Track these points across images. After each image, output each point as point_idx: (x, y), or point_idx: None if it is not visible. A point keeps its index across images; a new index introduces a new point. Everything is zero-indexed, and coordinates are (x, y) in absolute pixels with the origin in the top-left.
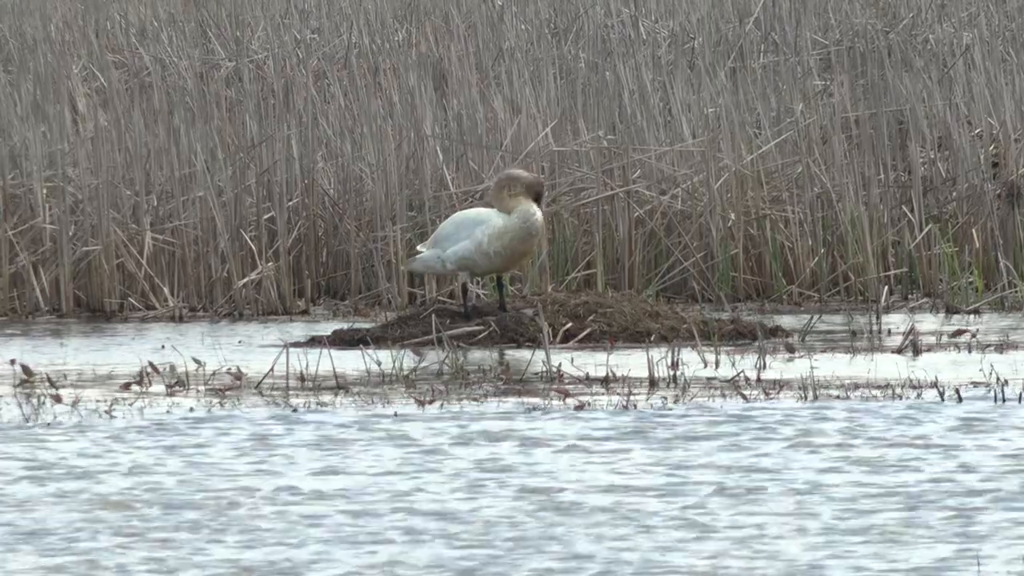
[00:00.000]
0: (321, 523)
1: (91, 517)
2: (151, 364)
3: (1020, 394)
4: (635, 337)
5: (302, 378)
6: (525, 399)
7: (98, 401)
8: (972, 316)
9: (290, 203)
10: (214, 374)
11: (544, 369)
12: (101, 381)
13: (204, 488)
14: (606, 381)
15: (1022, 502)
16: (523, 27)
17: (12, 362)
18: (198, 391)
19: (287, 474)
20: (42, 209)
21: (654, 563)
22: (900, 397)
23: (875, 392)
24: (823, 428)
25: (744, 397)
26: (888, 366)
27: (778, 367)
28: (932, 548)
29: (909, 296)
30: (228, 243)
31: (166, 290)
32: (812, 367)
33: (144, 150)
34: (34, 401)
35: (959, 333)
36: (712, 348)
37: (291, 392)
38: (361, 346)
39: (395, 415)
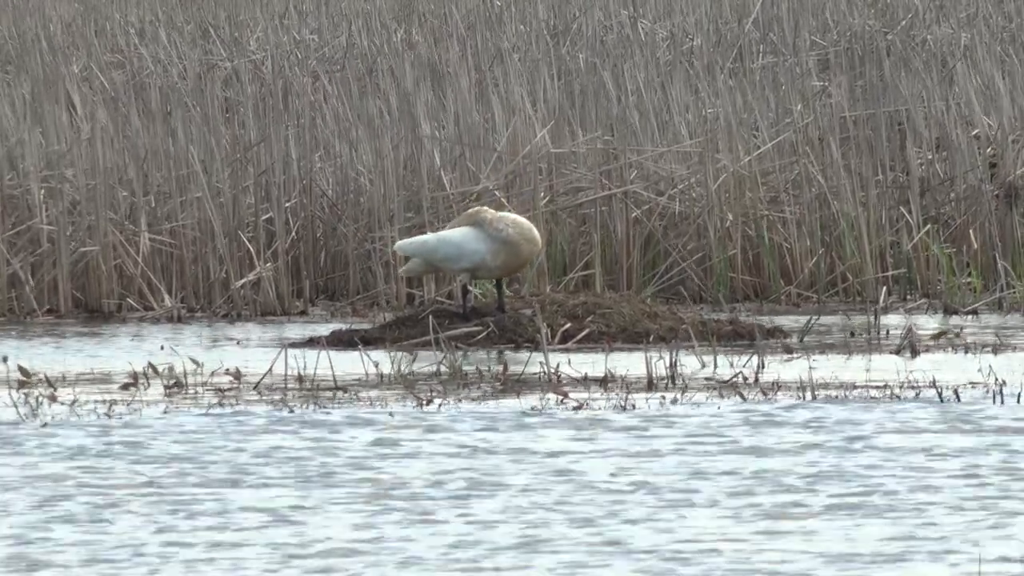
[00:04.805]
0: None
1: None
2: (151, 365)
3: (1019, 394)
4: (633, 338)
5: (300, 379)
6: (523, 399)
7: (96, 402)
8: (970, 317)
9: (288, 204)
10: (212, 374)
11: (542, 370)
12: (99, 382)
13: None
14: (604, 382)
15: None
16: (521, 28)
17: (4, 359)
18: (196, 391)
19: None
20: (39, 210)
21: None
22: (898, 398)
23: (873, 392)
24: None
25: (742, 397)
26: (887, 367)
27: (776, 368)
28: None
29: (907, 297)
30: (226, 244)
31: (164, 291)
32: (811, 367)
33: (142, 151)
34: (32, 402)
35: (940, 335)
36: (710, 349)
37: (290, 392)
38: (359, 347)
39: (391, 415)
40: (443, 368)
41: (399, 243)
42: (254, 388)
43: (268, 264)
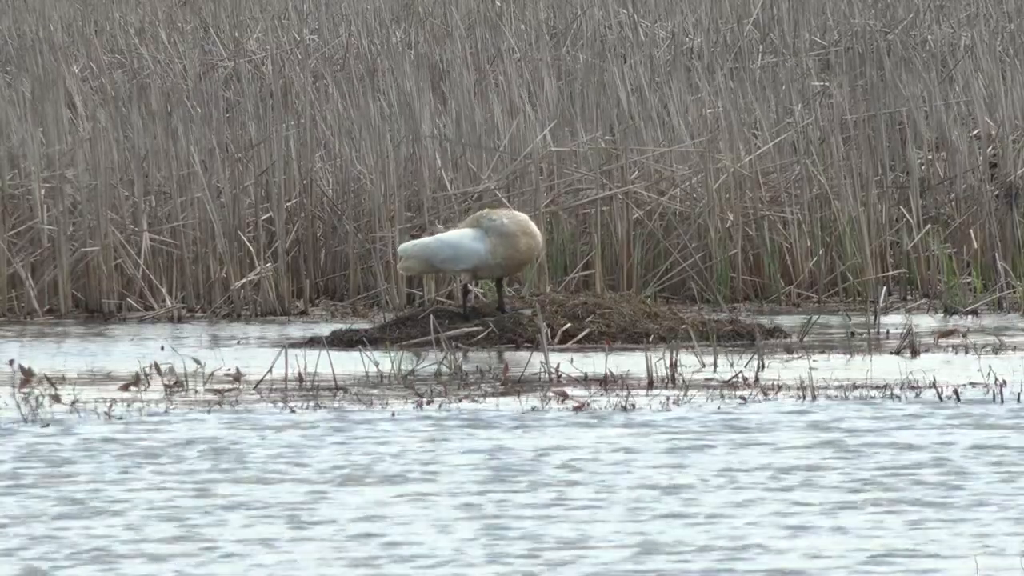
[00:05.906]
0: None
1: None
2: (155, 364)
3: (1019, 394)
4: (633, 338)
5: (301, 379)
6: (523, 399)
7: (97, 401)
8: (970, 317)
9: (288, 204)
10: (212, 375)
11: (542, 370)
12: (99, 382)
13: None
14: (604, 382)
15: None
16: (522, 28)
17: (11, 363)
18: (196, 392)
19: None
20: (40, 210)
21: None
22: (898, 398)
23: (873, 392)
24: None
25: (742, 398)
26: (887, 367)
27: (776, 368)
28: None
29: (907, 297)
30: (226, 244)
31: (164, 291)
32: (811, 367)
33: (142, 151)
34: (33, 401)
35: (948, 333)
36: (710, 349)
37: (291, 393)
38: (360, 347)
39: (392, 415)
40: (443, 368)
41: (402, 246)
42: (254, 388)
43: (268, 264)
